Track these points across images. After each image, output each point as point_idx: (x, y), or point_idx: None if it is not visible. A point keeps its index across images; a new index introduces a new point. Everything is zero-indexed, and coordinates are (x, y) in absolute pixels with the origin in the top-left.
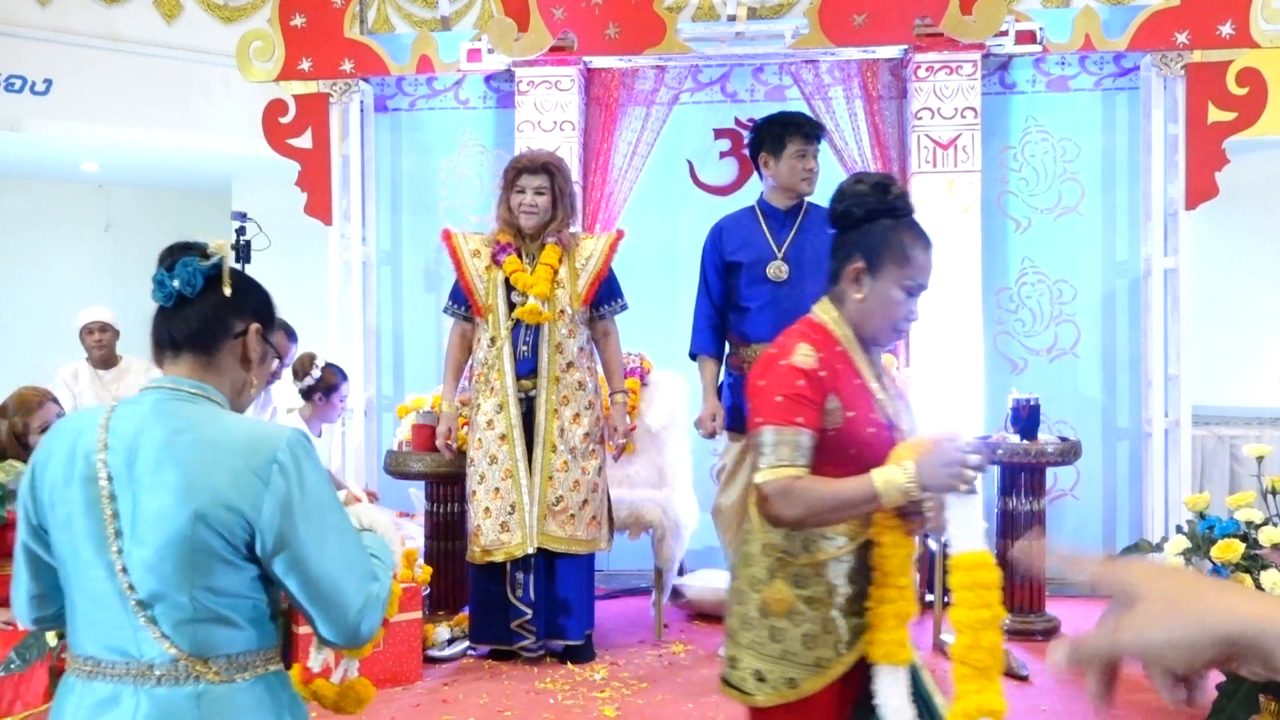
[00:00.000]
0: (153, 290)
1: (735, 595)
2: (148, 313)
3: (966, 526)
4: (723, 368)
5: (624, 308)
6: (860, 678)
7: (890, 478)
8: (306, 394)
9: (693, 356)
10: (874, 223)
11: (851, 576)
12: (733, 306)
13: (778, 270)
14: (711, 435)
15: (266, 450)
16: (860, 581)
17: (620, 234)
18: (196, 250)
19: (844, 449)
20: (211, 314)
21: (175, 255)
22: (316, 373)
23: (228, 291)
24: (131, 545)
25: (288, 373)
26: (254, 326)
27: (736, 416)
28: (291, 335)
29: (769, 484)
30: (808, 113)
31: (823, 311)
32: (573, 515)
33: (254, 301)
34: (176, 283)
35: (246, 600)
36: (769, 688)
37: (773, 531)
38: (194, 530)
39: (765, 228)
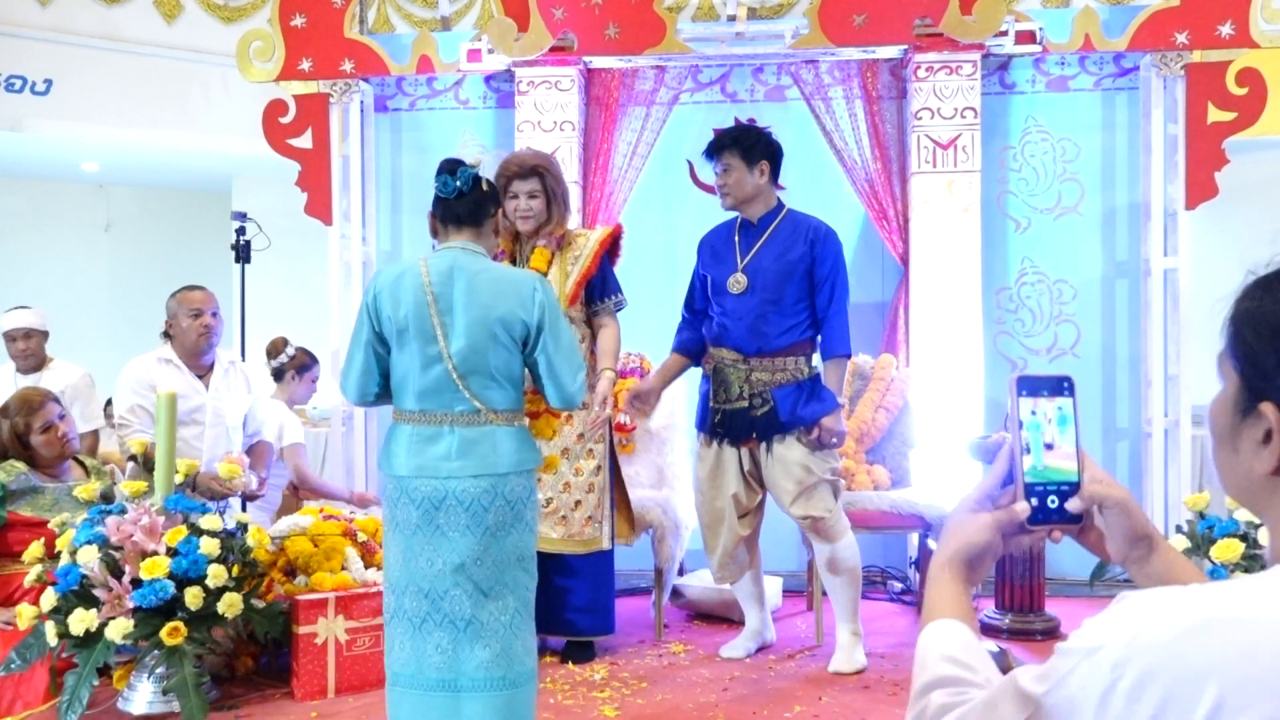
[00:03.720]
0: (439, 186)
1: None
2: (147, 312)
3: None
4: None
5: (621, 305)
6: None
7: None
8: (278, 374)
9: (672, 352)
10: None
11: None
12: (706, 315)
13: (736, 282)
14: (627, 406)
15: (529, 283)
16: None
17: (618, 228)
18: (461, 163)
19: None
20: (480, 201)
21: (453, 166)
22: (291, 350)
23: (486, 188)
24: (452, 340)
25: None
26: (500, 209)
27: (703, 418)
28: (313, 359)
29: None
30: (809, 113)
31: None
32: (564, 516)
33: (495, 193)
34: (459, 182)
35: (516, 373)
36: None
37: None
38: (495, 330)
39: (737, 240)
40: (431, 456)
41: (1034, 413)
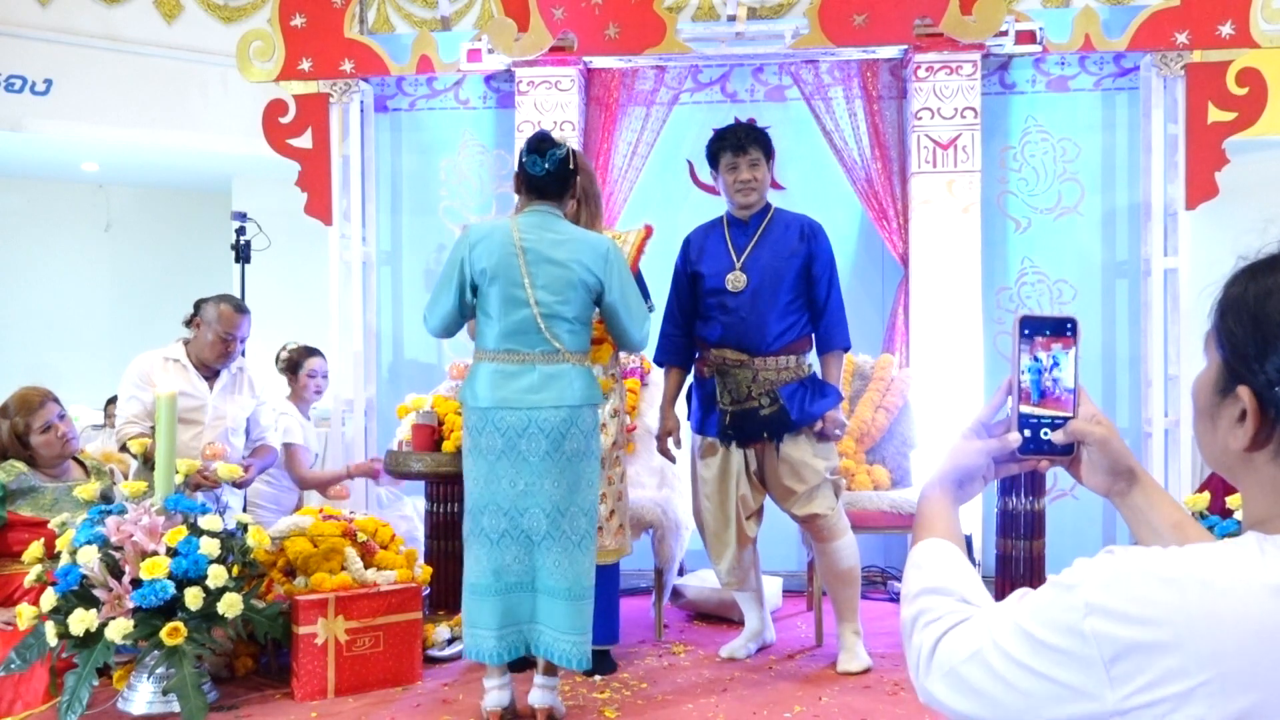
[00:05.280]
0: (528, 165)
1: None
2: (147, 312)
3: None
4: (690, 373)
5: (650, 309)
6: None
7: None
8: (286, 378)
9: (658, 363)
10: None
11: None
12: (698, 314)
13: (735, 280)
14: (663, 453)
15: (603, 244)
16: None
17: (649, 230)
18: (550, 143)
19: None
20: (563, 177)
21: (542, 145)
22: (285, 354)
23: (573, 167)
24: (536, 289)
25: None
26: (579, 179)
27: (709, 420)
28: (303, 355)
29: None
30: (809, 113)
31: None
32: (600, 528)
33: (578, 169)
34: (547, 164)
35: (588, 319)
36: None
37: None
38: (576, 281)
39: (728, 237)
40: (514, 389)
41: (1036, 358)
